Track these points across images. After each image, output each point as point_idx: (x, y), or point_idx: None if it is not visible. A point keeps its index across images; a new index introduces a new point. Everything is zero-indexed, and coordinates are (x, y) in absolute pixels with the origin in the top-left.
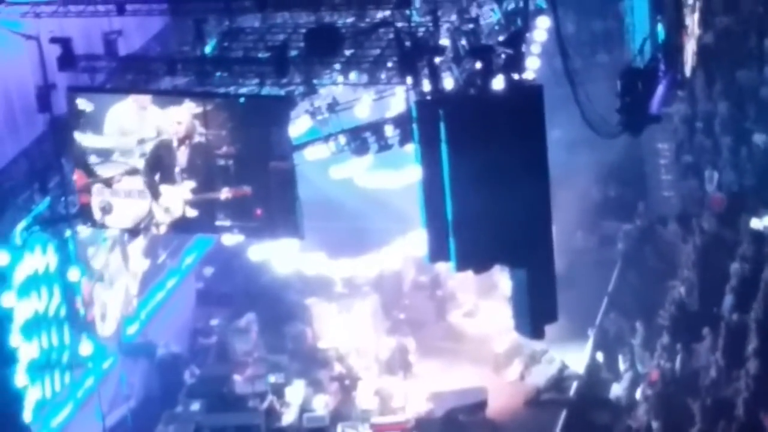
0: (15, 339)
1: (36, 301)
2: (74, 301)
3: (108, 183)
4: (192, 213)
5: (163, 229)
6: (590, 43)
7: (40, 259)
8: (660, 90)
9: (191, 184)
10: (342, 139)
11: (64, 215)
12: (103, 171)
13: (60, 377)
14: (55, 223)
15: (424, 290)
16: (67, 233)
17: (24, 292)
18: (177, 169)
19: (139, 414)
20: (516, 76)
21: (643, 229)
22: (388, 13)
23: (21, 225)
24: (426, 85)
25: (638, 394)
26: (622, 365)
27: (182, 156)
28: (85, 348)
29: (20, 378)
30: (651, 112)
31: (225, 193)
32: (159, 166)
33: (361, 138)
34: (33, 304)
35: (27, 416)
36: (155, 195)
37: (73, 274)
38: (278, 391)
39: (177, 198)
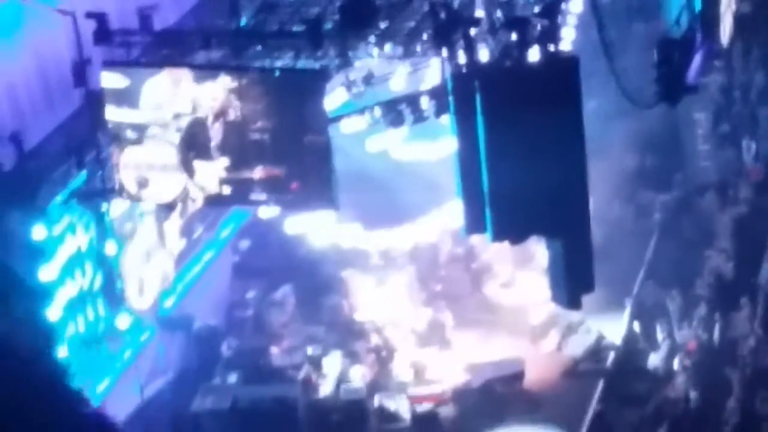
0: (54, 313)
1: (73, 275)
2: (111, 275)
3: (144, 157)
4: (227, 189)
5: (198, 204)
6: (626, 14)
7: (77, 234)
8: (697, 60)
9: (225, 161)
10: (377, 112)
11: (100, 189)
12: (139, 145)
13: (98, 351)
14: (92, 197)
15: (460, 262)
16: (104, 207)
17: (62, 266)
18: (212, 145)
19: (176, 386)
20: (552, 48)
21: (680, 199)
22: None
23: (58, 199)
24: (461, 57)
25: (676, 364)
26: (659, 335)
27: (217, 132)
28: (123, 321)
29: (60, 351)
30: (688, 82)
31: (258, 173)
32: (194, 143)
33: (397, 110)
34: (71, 279)
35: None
36: (190, 172)
37: (110, 248)
38: (315, 362)
39: (212, 175)
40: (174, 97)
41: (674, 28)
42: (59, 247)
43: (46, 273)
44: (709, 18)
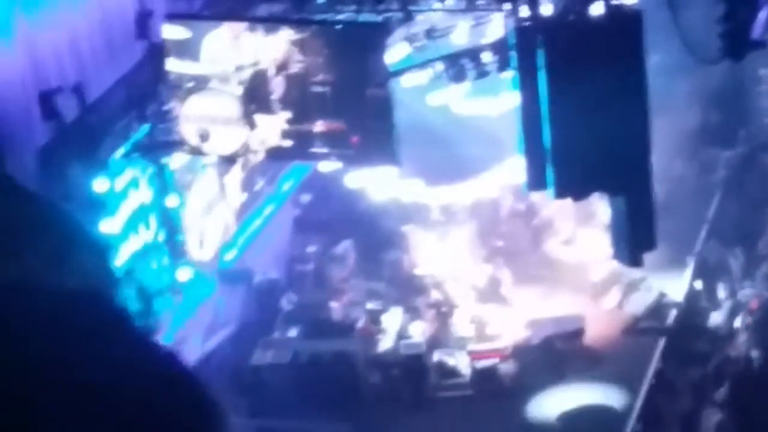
0: (116, 265)
1: (135, 228)
2: (172, 227)
3: (205, 110)
4: (288, 143)
5: (259, 157)
6: None
7: (140, 188)
8: (763, 15)
9: (287, 114)
10: (439, 66)
11: (161, 142)
12: (201, 98)
13: (159, 304)
14: (153, 150)
15: (520, 218)
16: (165, 160)
17: (123, 218)
18: (273, 98)
19: (236, 340)
20: (615, 2)
21: (744, 155)
22: None
23: (119, 152)
24: (524, 11)
25: (738, 323)
26: (721, 294)
27: (278, 86)
28: (184, 274)
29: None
30: (753, 37)
31: (319, 126)
32: (255, 95)
33: (459, 64)
34: (134, 233)
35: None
36: (251, 125)
37: (172, 201)
38: (375, 317)
39: (273, 128)
40: (235, 50)
41: None
42: (122, 201)
43: (108, 226)
44: None
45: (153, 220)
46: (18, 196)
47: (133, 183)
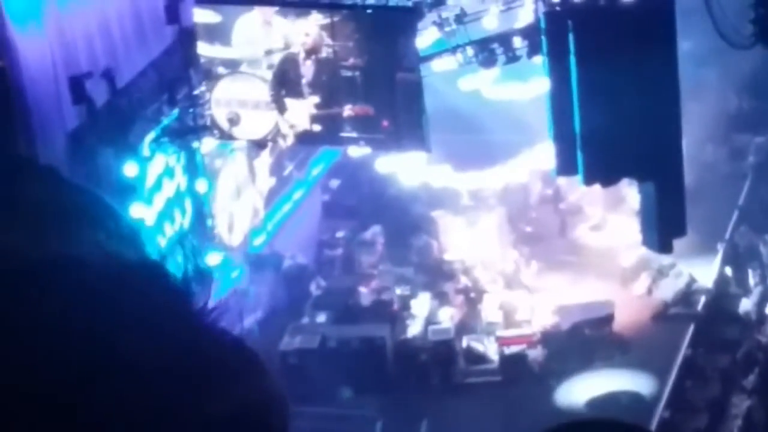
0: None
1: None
2: (202, 212)
3: (235, 94)
4: (317, 127)
5: (289, 141)
6: None
7: (168, 171)
8: None
9: (316, 98)
10: (469, 51)
11: (192, 127)
12: (231, 82)
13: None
14: (184, 134)
15: (550, 204)
16: (195, 145)
17: (152, 202)
18: (303, 82)
19: (265, 325)
20: None
21: None
22: None
23: (150, 136)
24: None
25: None
26: (752, 280)
27: (308, 70)
28: (213, 259)
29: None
30: None
31: (348, 111)
32: (285, 79)
33: (489, 49)
34: (158, 208)
35: None
36: (281, 109)
37: (201, 185)
38: (404, 303)
39: (302, 112)
40: (266, 34)
41: None
42: (150, 184)
43: (138, 210)
44: None
45: (180, 203)
46: (64, 185)
47: (161, 167)
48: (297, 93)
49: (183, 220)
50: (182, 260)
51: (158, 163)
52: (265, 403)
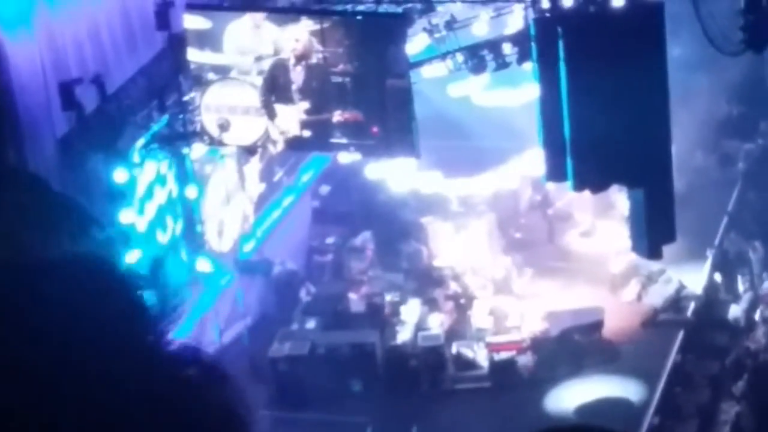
0: (134, 254)
1: (154, 218)
2: (192, 218)
3: (225, 100)
4: (307, 133)
5: (279, 147)
6: None
7: (157, 177)
8: None
9: (306, 104)
10: (459, 57)
11: (181, 133)
12: (221, 88)
13: (177, 293)
14: (173, 140)
15: (540, 210)
16: (185, 151)
17: (142, 209)
18: (293, 88)
19: (254, 331)
20: None
21: (765, 148)
22: None
23: (139, 143)
24: (545, 2)
25: (757, 316)
26: (741, 286)
27: (298, 76)
28: (202, 265)
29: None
30: None
31: (337, 116)
32: (275, 85)
33: (479, 56)
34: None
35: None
36: (271, 114)
37: (191, 191)
38: (394, 309)
39: (292, 118)
40: (256, 40)
41: None
42: (139, 190)
43: (127, 216)
44: None
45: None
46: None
47: (151, 173)
48: (287, 99)
49: (174, 226)
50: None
51: (148, 169)
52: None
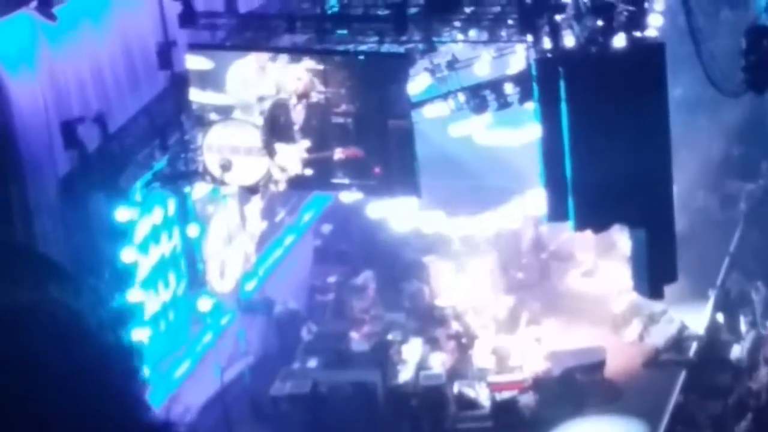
0: (135, 294)
1: (156, 257)
2: (193, 257)
3: (227, 140)
4: (309, 171)
5: (281, 187)
6: (714, 0)
7: (159, 216)
8: None
9: (307, 143)
10: (461, 97)
11: (183, 172)
12: (223, 128)
13: (179, 333)
14: (175, 179)
15: (541, 250)
16: (187, 190)
17: (144, 248)
18: (295, 128)
19: (256, 370)
20: (638, 34)
21: (767, 188)
22: None
23: (141, 181)
24: (546, 43)
25: (760, 356)
26: (743, 326)
27: (299, 115)
28: (204, 304)
29: (140, 332)
30: None
31: (338, 154)
32: (276, 125)
33: (481, 96)
34: (153, 260)
35: (146, 371)
36: (271, 153)
37: (192, 230)
38: (395, 348)
39: (293, 157)
40: (259, 80)
41: (763, 15)
42: (141, 228)
43: (129, 255)
44: None
45: (171, 249)
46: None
47: (153, 212)
48: (288, 138)
49: (172, 264)
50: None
51: (150, 207)
52: None
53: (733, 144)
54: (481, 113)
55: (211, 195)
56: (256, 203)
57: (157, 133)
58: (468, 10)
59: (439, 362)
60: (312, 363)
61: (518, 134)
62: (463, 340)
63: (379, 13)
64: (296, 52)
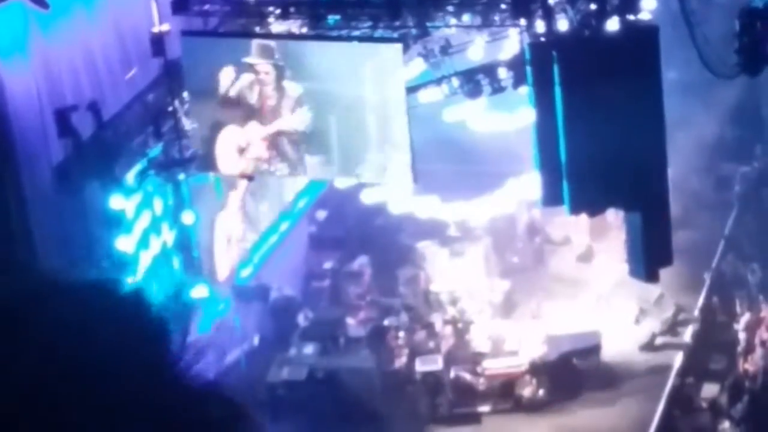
0: (130, 282)
1: (151, 244)
2: (188, 244)
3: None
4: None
5: (277, 174)
6: None
7: (154, 203)
8: None
9: (304, 131)
10: (455, 82)
11: (178, 159)
12: (217, 114)
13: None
14: (170, 167)
15: (537, 234)
16: (181, 177)
17: (139, 235)
18: (289, 114)
19: (252, 357)
20: (631, 17)
21: (761, 171)
22: None
23: (136, 169)
24: (540, 27)
25: (756, 338)
26: (739, 309)
27: (293, 101)
28: (199, 292)
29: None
30: None
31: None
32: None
33: (475, 80)
34: (145, 250)
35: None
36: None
37: (188, 217)
38: (391, 334)
39: (287, 142)
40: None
41: None
42: (137, 218)
43: (124, 243)
44: None
45: (168, 237)
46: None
47: (147, 201)
48: (282, 124)
49: (168, 252)
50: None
51: (144, 195)
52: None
53: (727, 126)
54: (475, 98)
55: (206, 181)
56: (251, 190)
57: (151, 121)
58: None
59: (436, 347)
60: (308, 349)
61: (512, 118)
62: (459, 325)
63: None
64: (289, 39)
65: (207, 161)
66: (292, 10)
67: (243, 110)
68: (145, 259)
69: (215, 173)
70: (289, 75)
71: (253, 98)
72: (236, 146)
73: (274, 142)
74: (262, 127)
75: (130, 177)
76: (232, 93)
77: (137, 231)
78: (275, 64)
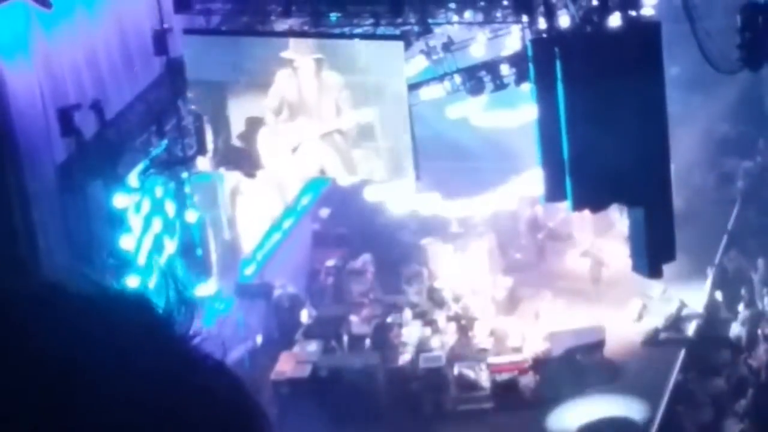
0: (133, 281)
1: (154, 243)
2: (192, 243)
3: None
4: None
5: (282, 170)
6: None
7: (157, 202)
8: None
9: (305, 128)
10: (457, 79)
11: (181, 158)
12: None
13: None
14: (173, 165)
15: (540, 230)
16: (184, 176)
17: (142, 234)
18: (292, 111)
19: (256, 355)
20: (633, 13)
21: (764, 166)
22: None
23: (138, 168)
24: (542, 23)
25: (759, 333)
26: (742, 304)
27: (296, 97)
28: (203, 289)
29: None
30: None
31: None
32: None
33: (477, 77)
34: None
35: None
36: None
37: (191, 216)
38: (395, 331)
39: (290, 141)
40: None
41: None
42: (139, 215)
43: (127, 241)
44: None
45: (169, 234)
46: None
47: (150, 198)
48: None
49: (171, 250)
50: (168, 289)
51: (147, 193)
52: (247, 426)
53: (730, 122)
54: (477, 95)
55: (209, 179)
56: (254, 188)
57: (153, 119)
58: None
59: (439, 344)
60: (312, 347)
61: (515, 115)
62: (463, 322)
63: None
64: (291, 36)
65: (246, 158)
66: (294, 8)
67: (286, 107)
68: (149, 258)
69: (255, 171)
70: (327, 67)
71: (293, 94)
72: (287, 145)
73: (328, 140)
74: (313, 124)
75: (133, 176)
76: (272, 89)
77: (140, 229)
78: (315, 58)
